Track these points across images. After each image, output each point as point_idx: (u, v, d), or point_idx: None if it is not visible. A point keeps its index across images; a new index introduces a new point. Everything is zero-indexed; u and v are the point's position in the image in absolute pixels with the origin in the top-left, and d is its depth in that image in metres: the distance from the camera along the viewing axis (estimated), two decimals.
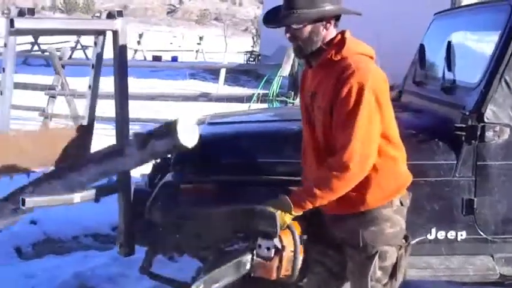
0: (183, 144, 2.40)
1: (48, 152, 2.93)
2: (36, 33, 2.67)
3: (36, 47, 23.86)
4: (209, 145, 3.15)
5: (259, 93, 8.34)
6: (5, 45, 2.53)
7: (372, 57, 2.45)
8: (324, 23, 2.42)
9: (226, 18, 25.03)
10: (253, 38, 29.85)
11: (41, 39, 23.10)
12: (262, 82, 8.84)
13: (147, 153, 2.46)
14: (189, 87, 16.36)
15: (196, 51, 29.09)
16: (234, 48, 29.28)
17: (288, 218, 2.44)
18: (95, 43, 3.02)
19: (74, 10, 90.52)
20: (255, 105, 8.13)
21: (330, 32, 2.46)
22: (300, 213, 2.45)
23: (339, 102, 2.32)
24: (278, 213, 2.40)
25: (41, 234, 5.17)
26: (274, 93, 8.10)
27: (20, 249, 4.89)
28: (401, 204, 2.53)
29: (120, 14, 2.91)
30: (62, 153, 2.98)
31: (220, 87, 14.83)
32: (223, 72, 14.83)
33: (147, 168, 4.07)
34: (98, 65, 3.02)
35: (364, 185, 2.41)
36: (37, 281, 4.30)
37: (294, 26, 2.43)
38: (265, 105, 8.07)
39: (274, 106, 7.94)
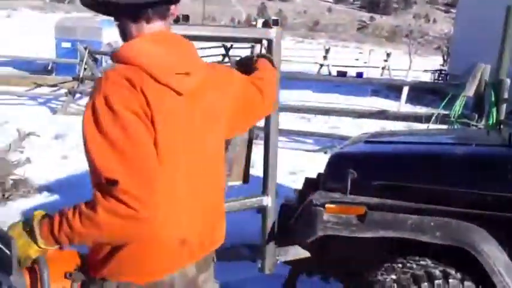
0: None
1: None
2: (192, 39, 2.65)
3: None
4: (360, 164, 2.94)
5: (439, 114, 7.84)
6: None
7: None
8: None
9: (418, 35, 24.19)
10: (443, 56, 28.59)
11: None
12: (444, 101, 8.30)
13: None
14: (369, 104, 16.03)
15: (383, 68, 28.52)
16: (423, 66, 28.24)
17: (33, 251, 1.74)
18: (251, 52, 2.94)
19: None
20: (435, 126, 7.64)
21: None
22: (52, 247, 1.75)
23: None
24: (15, 241, 1.70)
25: None
26: (456, 114, 7.54)
27: None
28: None
29: (275, 23, 2.81)
30: None
31: (402, 106, 14.33)
32: (405, 90, 14.31)
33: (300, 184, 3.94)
34: None
35: None
36: None
37: None
38: (445, 127, 7.55)
39: (455, 128, 7.39)
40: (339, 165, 3.08)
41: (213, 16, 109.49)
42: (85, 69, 12.77)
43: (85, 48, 12.73)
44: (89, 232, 1.62)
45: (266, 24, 2.83)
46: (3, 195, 5.98)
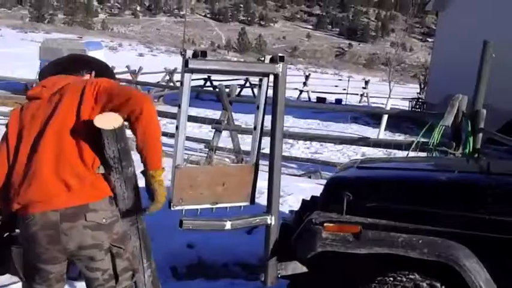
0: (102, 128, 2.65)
1: (219, 188, 3.14)
2: (207, 72, 2.94)
3: (208, 83, 25.43)
4: (355, 188, 3.27)
5: (419, 142, 8.21)
6: (181, 83, 2.84)
7: None
8: None
9: (392, 63, 24.92)
10: (420, 85, 29.27)
11: (214, 76, 24.60)
12: (423, 130, 8.68)
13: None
14: (350, 131, 16.46)
15: (361, 95, 29.17)
16: (399, 94, 28.89)
17: None
18: (259, 86, 3.24)
19: (247, 50, 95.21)
20: (415, 153, 8.00)
21: None
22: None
23: None
24: None
25: (195, 258, 5.51)
26: (435, 143, 7.91)
27: (176, 269, 5.25)
28: None
29: (281, 59, 3.13)
30: (229, 190, 3.19)
31: (381, 133, 14.77)
32: (385, 117, 14.77)
33: (297, 205, 4.24)
34: (263, 106, 3.22)
35: None
36: None
37: None
38: (424, 155, 7.92)
39: (434, 156, 7.75)
40: (335, 188, 3.40)
41: (193, 39, 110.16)
42: None
43: None
44: None
45: (273, 60, 3.15)
46: None
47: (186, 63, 2.81)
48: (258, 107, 3.22)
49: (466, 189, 3.21)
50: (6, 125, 2.89)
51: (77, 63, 3.13)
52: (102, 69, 3.17)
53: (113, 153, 2.75)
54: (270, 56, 3.16)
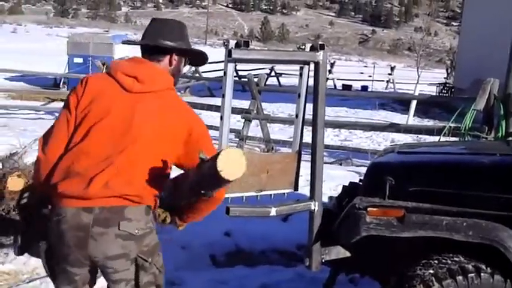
0: (222, 176, 2.10)
1: (263, 176, 3.19)
2: (249, 61, 3.01)
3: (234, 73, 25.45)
4: (397, 172, 3.31)
5: (450, 127, 8.19)
6: (225, 73, 2.91)
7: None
8: None
9: (420, 48, 24.66)
10: (447, 70, 29.00)
11: (239, 66, 24.71)
12: (455, 115, 8.65)
13: (199, 175, 2.32)
14: (378, 117, 16.40)
15: (387, 82, 28.98)
16: (426, 79, 28.67)
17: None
18: (300, 74, 3.29)
19: (270, 39, 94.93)
20: (446, 139, 7.98)
21: None
22: None
23: None
24: None
25: (233, 246, 5.60)
26: (467, 127, 7.89)
27: (215, 258, 5.34)
28: None
29: (322, 47, 3.18)
30: (273, 177, 3.23)
31: (410, 119, 14.71)
32: (413, 103, 14.70)
33: (335, 192, 4.29)
34: (304, 94, 3.27)
35: None
36: (228, 287, 4.70)
37: None
38: (456, 139, 7.89)
39: (466, 140, 7.73)
40: (377, 173, 3.45)
41: (216, 30, 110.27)
42: None
43: (103, 64, 13.12)
44: None
45: (313, 48, 3.20)
46: None
47: (229, 53, 2.87)
48: (299, 95, 3.27)
49: (507, 171, 3.22)
50: (70, 91, 2.65)
51: (181, 36, 2.74)
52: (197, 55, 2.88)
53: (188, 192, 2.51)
54: (311, 44, 3.21)
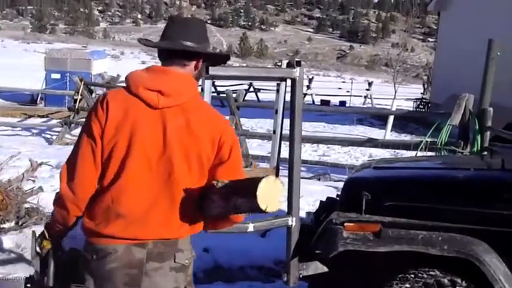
0: (262, 209, 2.07)
1: None
2: (227, 78, 3.03)
3: (212, 89, 25.50)
4: (373, 187, 3.35)
5: (427, 142, 8.28)
6: (202, 89, 2.92)
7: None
8: None
9: (397, 64, 24.99)
10: (423, 85, 29.32)
11: (218, 81, 24.72)
12: (431, 130, 8.76)
13: (231, 206, 2.25)
14: (356, 132, 16.51)
15: (365, 97, 29.22)
16: (403, 94, 28.94)
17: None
18: (277, 90, 3.33)
19: (249, 54, 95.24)
20: (422, 153, 8.07)
21: None
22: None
23: None
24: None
25: (212, 262, 5.57)
26: (443, 142, 7.98)
27: (194, 274, 5.30)
28: None
29: (298, 63, 3.21)
30: None
31: (387, 134, 14.83)
32: (391, 118, 14.84)
33: (313, 207, 4.31)
34: (281, 110, 3.30)
35: None
36: None
37: None
38: (432, 154, 7.98)
39: (446, 155, 7.82)
40: (354, 188, 3.49)
41: None
42: (79, 100, 13.09)
43: (80, 80, 13.05)
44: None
45: (290, 65, 3.23)
46: (18, 222, 6.25)
47: (206, 70, 2.88)
48: (276, 111, 3.30)
49: (483, 186, 3.28)
50: (90, 116, 2.37)
51: (206, 36, 2.56)
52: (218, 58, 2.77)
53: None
54: (287, 61, 3.24)
